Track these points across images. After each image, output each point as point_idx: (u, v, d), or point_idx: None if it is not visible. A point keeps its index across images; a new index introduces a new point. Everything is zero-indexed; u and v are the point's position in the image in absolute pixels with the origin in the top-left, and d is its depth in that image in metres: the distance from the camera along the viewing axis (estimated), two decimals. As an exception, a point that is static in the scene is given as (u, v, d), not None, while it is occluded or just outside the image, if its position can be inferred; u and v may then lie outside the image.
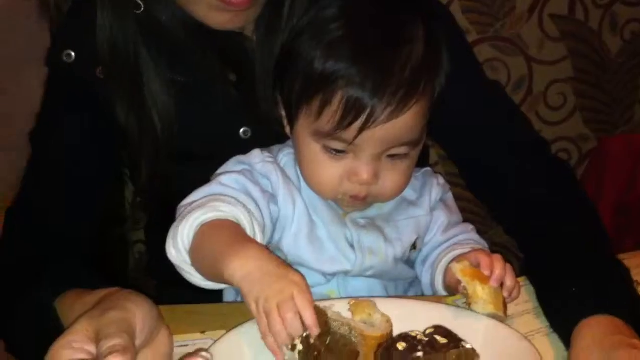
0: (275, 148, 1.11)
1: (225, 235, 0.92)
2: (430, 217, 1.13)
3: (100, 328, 0.75)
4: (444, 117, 1.09)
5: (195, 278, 0.96)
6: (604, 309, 0.89)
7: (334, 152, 1.00)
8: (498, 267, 0.97)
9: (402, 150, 1.00)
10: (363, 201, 1.04)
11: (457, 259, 1.02)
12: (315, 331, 0.80)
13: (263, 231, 0.99)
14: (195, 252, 0.94)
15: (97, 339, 0.74)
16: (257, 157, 1.06)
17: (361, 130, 0.95)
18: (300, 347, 0.80)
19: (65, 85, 1.15)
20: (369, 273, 1.08)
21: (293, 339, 0.80)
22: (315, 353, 0.81)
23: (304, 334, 0.80)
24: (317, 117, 0.98)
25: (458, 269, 0.99)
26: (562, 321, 0.94)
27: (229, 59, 1.13)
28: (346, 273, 1.07)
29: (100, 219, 1.17)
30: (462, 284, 0.97)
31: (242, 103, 1.13)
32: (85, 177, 1.13)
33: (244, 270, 0.85)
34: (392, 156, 1.00)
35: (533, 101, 1.66)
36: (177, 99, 1.13)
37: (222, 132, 1.16)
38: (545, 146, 1.24)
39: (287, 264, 0.89)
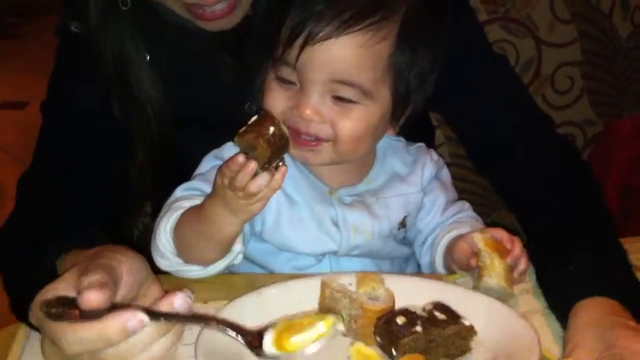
0: None
1: (194, 212, 0.97)
2: (421, 195, 1.13)
3: (84, 273, 0.76)
4: (449, 90, 1.09)
5: (193, 272, 1.01)
6: (601, 291, 0.90)
7: (284, 83, 1.01)
8: (517, 247, 0.99)
9: (348, 92, 0.99)
10: (313, 144, 1.01)
11: (481, 230, 1.03)
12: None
13: None
14: (182, 248, 0.99)
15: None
16: (229, 151, 1.07)
17: (303, 46, 0.96)
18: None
19: (74, 54, 1.16)
20: (356, 252, 1.09)
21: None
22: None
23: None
24: (275, 43, 1.00)
25: (480, 239, 1.00)
26: (560, 302, 0.95)
27: (230, 33, 1.14)
28: (334, 253, 1.08)
29: (112, 184, 1.18)
30: (482, 253, 0.98)
31: (244, 79, 1.14)
32: (97, 142, 1.14)
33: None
34: (338, 99, 0.99)
35: (540, 84, 1.66)
36: (181, 73, 1.15)
37: (227, 108, 1.17)
38: (550, 123, 1.24)
39: None
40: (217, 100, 1.18)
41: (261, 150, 0.88)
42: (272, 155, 0.89)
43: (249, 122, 0.90)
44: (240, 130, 0.89)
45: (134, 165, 1.19)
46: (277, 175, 0.89)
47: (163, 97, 1.15)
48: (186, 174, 1.10)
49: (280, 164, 0.90)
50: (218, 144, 1.10)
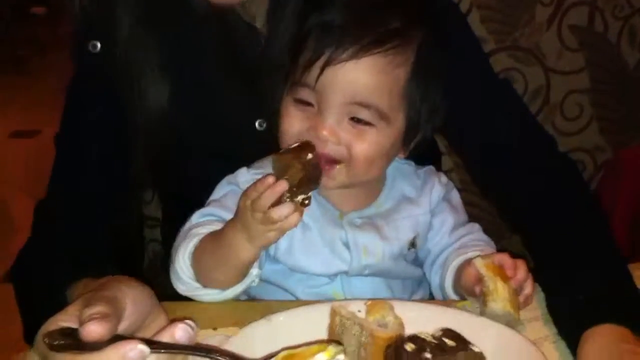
0: (269, 157, 1.12)
1: (213, 237, 0.99)
2: (429, 216, 1.14)
3: (87, 305, 0.77)
4: (451, 115, 1.10)
5: (211, 295, 1.03)
6: (611, 318, 0.90)
7: (302, 105, 1.03)
8: (521, 271, 0.99)
9: (365, 114, 1.01)
10: (330, 164, 1.02)
11: (482, 255, 1.03)
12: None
13: None
14: (200, 273, 1.01)
15: None
16: (243, 176, 1.09)
17: (323, 68, 0.98)
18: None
19: (88, 79, 1.16)
20: (367, 272, 1.09)
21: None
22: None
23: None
24: (294, 66, 1.02)
25: (482, 264, 1.00)
26: (570, 329, 0.95)
27: (241, 51, 1.15)
28: (345, 273, 1.09)
29: (123, 213, 1.19)
30: (484, 279, 0.98)
31: (256, 95, 1.15)
32: (109, 172, 1.15)
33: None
34: (356, 120, 1.01)
35: (549, 111, 1.67)
36: (190, 91, 1.16)
37: (238, 124, 1.19)
38: (553, 144, 1.24)
39: None
40: (226, 117, 1.19)
41: (294, 171, 0.90)
42: (303, 179, 0.90)
43: (290, 147, 0.94)
44: (280, 151, 0.92)
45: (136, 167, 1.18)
46: (296, 213, 0.90)
47: (166, 95, 1.14)
48: (195, 199, 1.11)
49: (307, 202, 0.92)
50: (227, 168, 1.11)
